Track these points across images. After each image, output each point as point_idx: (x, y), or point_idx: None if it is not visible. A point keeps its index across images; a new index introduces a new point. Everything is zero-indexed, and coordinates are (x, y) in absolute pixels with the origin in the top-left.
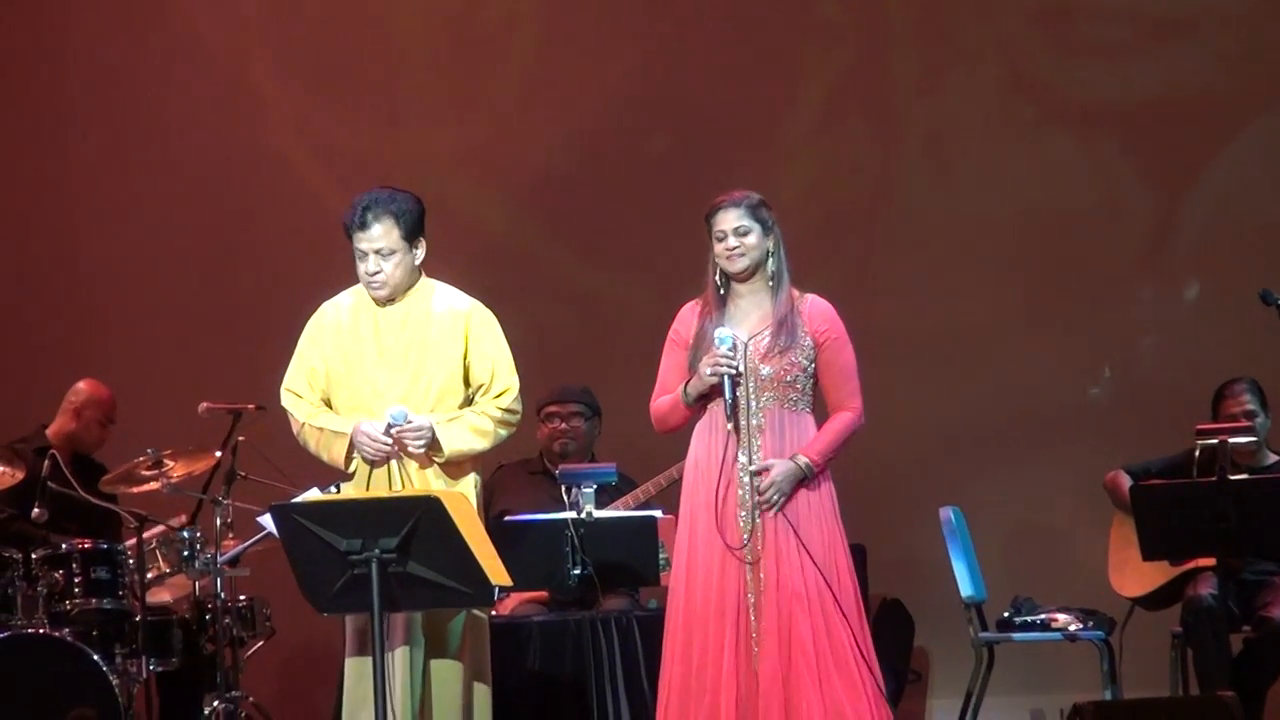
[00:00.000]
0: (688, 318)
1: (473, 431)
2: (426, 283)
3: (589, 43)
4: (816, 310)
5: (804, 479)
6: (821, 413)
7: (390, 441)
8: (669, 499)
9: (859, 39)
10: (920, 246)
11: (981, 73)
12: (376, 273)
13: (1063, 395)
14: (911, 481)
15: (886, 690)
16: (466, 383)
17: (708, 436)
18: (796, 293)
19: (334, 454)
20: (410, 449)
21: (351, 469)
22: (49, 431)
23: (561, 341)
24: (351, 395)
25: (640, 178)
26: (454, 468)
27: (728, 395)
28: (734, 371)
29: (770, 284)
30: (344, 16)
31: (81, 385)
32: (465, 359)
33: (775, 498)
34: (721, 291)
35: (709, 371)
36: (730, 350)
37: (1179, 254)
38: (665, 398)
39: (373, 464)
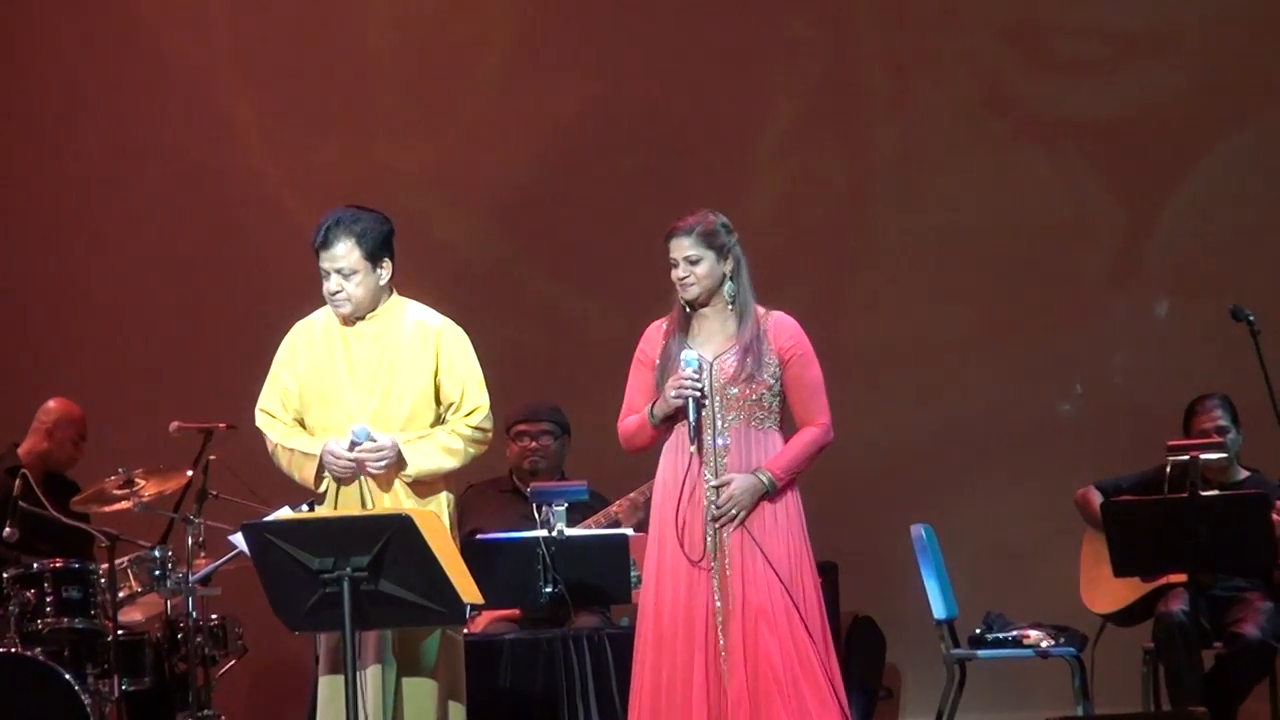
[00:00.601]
0: (654, 337)
1: (442, 450)
2: (397, 301)
3: (558, 61)
4: (781, 327)
5: (766, 494)
6: (790, 429)
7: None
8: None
9: (828, 56)
10: (890, 263)
11: (951, 89)
12: (337, 292)
13: (1034, 411)
14: (882, 498)
15: (859, 708)
16: (437, 401)
17: (674, 456)
18: (762, 310)
19: (305, 474)
20: (370, 469)
21: (322, 489)
22: (20, 450)
23: (531, 359)
24: (323, 414)
25: (610, 196)
26: (425, 487)
27: (691, 418)
28: (698, 394)
29: (730, 307)
30: (314, 37)
31: (52, 404)
32: (436, 377)
33: (734, 511)
34: (687, 310)
35: (673, 394)
36: (695, 372)
37: (1150, 270)
38: (633, 418)
39: (340, 482)
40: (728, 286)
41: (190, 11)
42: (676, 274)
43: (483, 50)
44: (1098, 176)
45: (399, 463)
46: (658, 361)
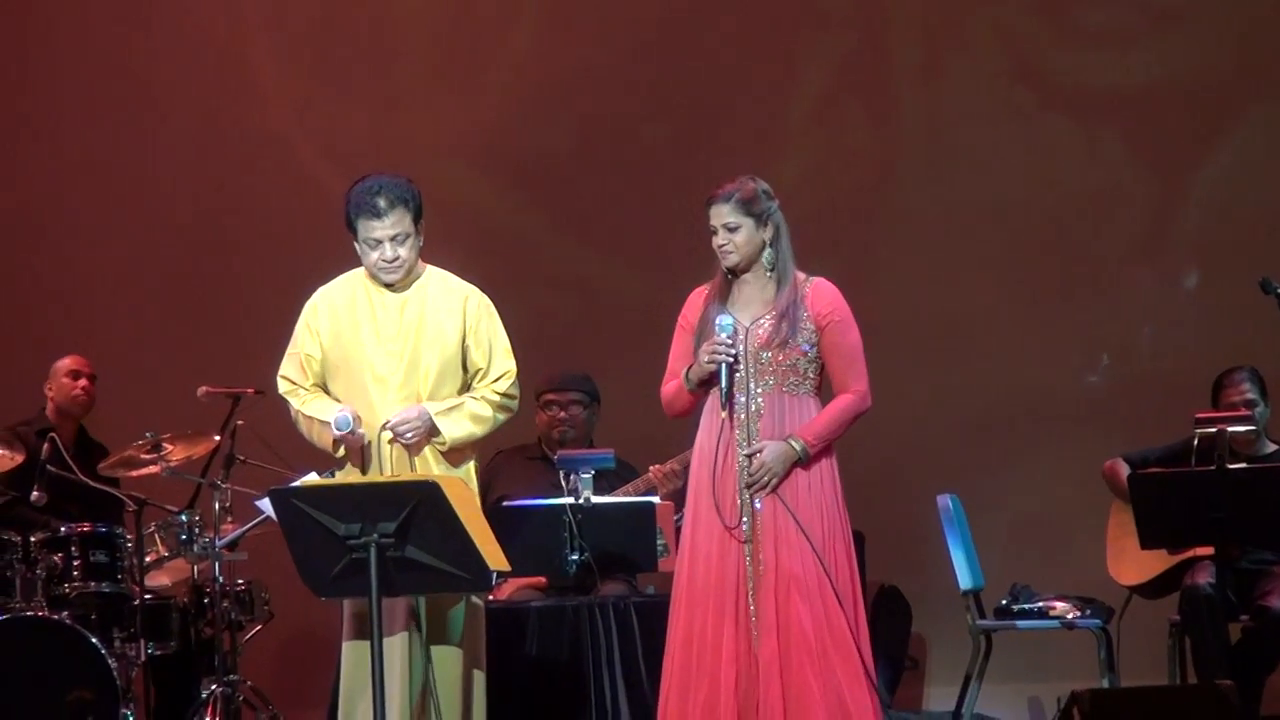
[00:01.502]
0: (695, 302)
1: (471, 419)
2: (424, 268)
3: (587, 27)
4: (820, 293)
5: (798, 460)
6: (829, 396)
7: (354, 438)
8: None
9: (858, 25)
10: (918, 234)
11: (981, 59)
12: (394, 259)
13: (1061, 383)
14: (909, 469)
15: (885, 678)
16: (464, 368)
17: (710, 420)
18: (802, 276)
19: (324, 440)
20: (403, 440)
21: (340, 454)
22: (47, 413)
23: (560, 327)
24: (348, 381)
25: (638, 163)
26: (454, 454)
27: (723, 383)
28: (731, 359)
29: (769, 274)
30: (344, 3)
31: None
32: (463, 344)
33: (766, 479)
34: (729, 277)
35: (706, 358)
36: (729, 337)
37: (1178, 241)
38: (672, 383)
39: (351, 457)
40: (767, 253)
41: None
42: (716, 241)
43: (511, 16)
44: (1127, 147)
45: (432, 431)
46: (697, 326)
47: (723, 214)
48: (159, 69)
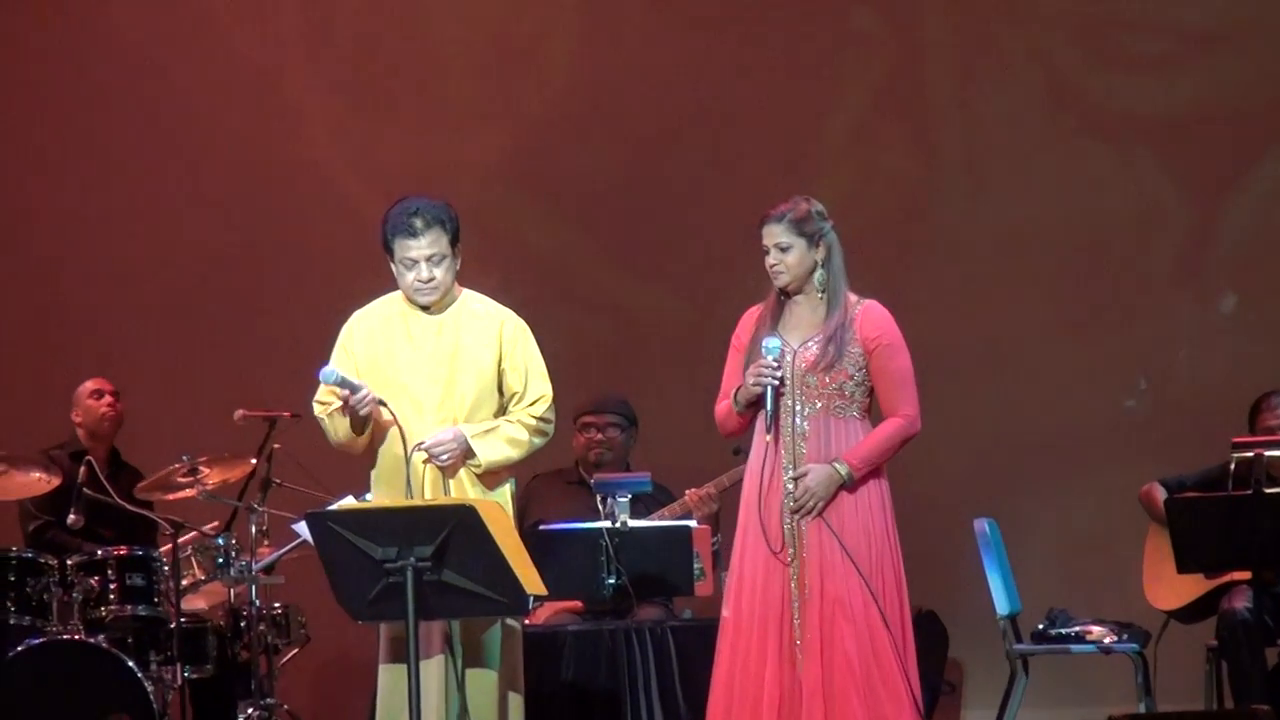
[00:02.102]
0: (747, 322)
1: (508, 441)
2: (460, 292)
3: (625, 52)
4: (869, 317)
5: (843, 484)
6: (880, 419)
7: (352, 393)
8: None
9: (895, 49)
10: (955, 257)
11: (1018, 83)
12: (429, 280)
13: (1098, 407)
14: (946, 493)
15: (923, 706)
16: (500, 392)
17: (758, 444)
18: (853, 299)
19: (347, 432)
20: (437, 462)
21: (364, 435)
22: (79, 436)
23: (597, 350)
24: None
25: (676, 186)
26: (490, 477)
27: (768, 406)
28: (775, 381)
29: (820, 295)
30: (380, 24)
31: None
32: (498, 367)
33: (810, 503)
34: (782, 297)
35: (751, 380)
36: (775, 359)
37: (1216, 265)
38: (724, 403)
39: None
40: (818, 274)
41: (258, 4)
42: (768, 261)
43: (550, 40)
44: (1165, 171)
45: (467, 453)
46: (748, 347)
47: (775, 234)
48: (196, 94)
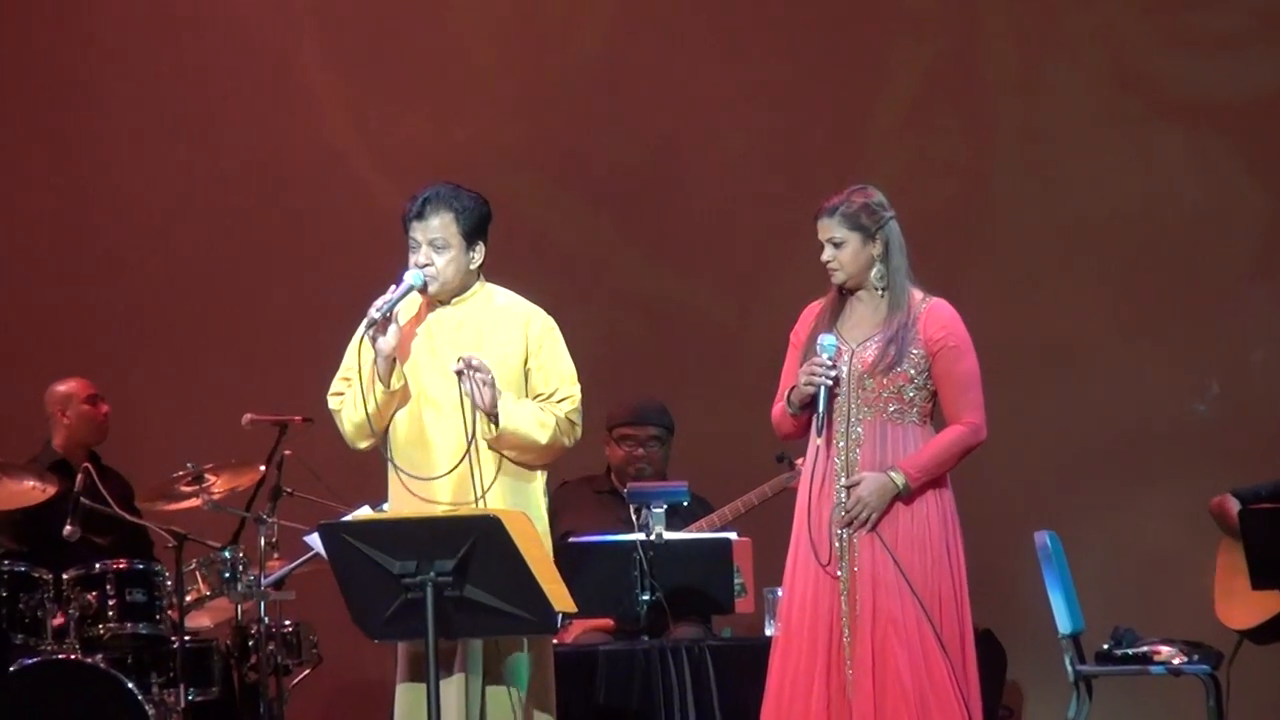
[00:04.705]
0: (807, 318)
1: (536, 420)
2: (485, 287)
3: (660, 36)
4: (934, 316)
5: (899, 495)
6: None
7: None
8: (748, 523)
9: (949, 30)
10: (1014, 251)
11: (1081, 65)
12: (426, 265)
13: (1167, 412)
14: (1004, 504)
15: None
16: (525, 393)
17: (810, 450)
18: (919, 296)
19: (376, 389)
20: (475, 380)
21: (396, 384)
22: (55, 445)
23: (631, 348)
24: (401, 403)
25: (716, 177)
26: (521, 481)
27: (820, 407)
28: (830, 381)
29: (881, 292)
30: (402, 11)
31: (52, 390)
32: (524, 366)
33: (863, 514)
34: (842, 293)
35: (804, 379)
36: (830, 358)
37: None
38: (779, 404)
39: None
40: (876, 269)
41: None
42: (823, 256)
43: (580, 25)
44: (1240, 159)
45: (493, 402)
46: (805, 344)
47: (828, 228)
48: (210, 84)
